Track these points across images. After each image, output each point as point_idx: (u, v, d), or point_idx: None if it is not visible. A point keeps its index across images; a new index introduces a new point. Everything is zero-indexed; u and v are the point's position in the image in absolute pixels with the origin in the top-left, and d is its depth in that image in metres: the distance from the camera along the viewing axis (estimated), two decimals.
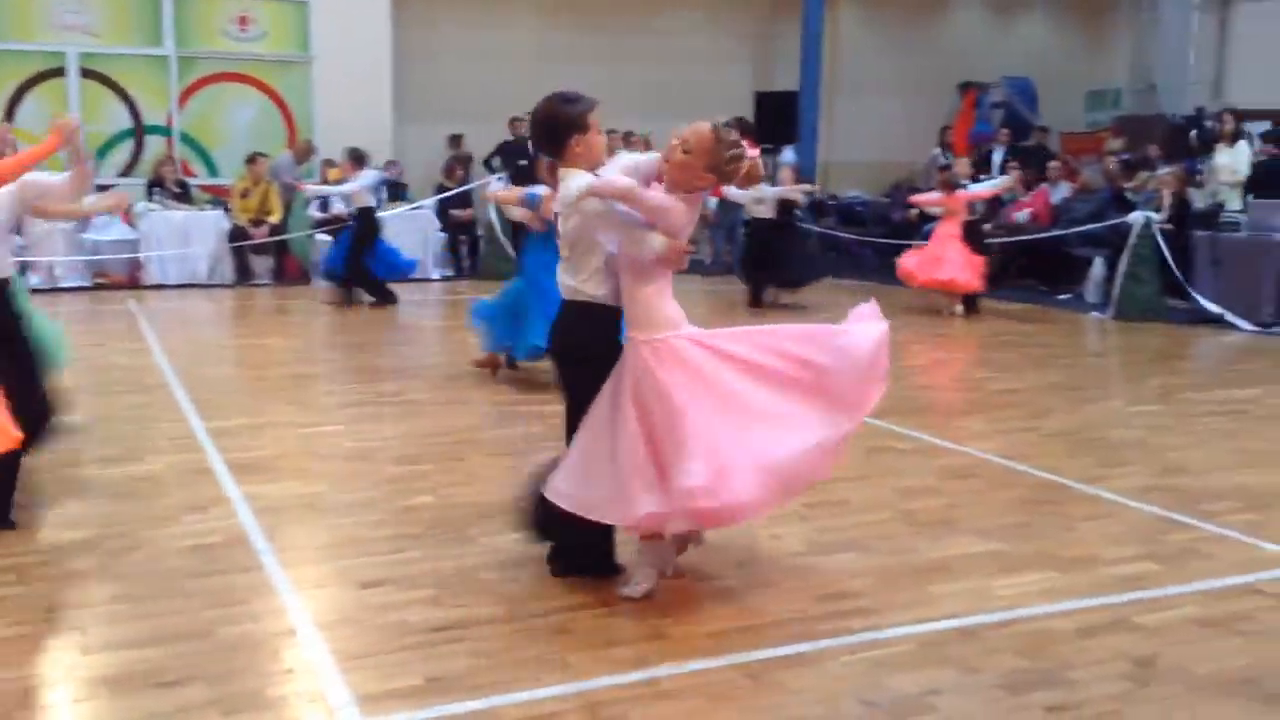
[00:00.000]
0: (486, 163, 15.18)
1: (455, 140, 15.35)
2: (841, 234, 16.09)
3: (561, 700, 3.22)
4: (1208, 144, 11.60)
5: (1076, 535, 4.72)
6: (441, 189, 14.77)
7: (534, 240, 7.43)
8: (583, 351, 3.99)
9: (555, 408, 7.01)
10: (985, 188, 12.10)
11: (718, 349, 3.90)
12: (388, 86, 15.00)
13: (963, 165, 12.36)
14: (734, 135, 3.88)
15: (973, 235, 11.34)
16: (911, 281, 11.30)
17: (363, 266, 11.61)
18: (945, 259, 11.10)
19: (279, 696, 3.25)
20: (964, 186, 11.60)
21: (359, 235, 11.53)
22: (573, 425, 4.00)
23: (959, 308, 11.28)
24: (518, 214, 7.47)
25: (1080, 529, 4.81)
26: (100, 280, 12.56)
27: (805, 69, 16.36)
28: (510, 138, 15.04)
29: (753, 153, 4.09)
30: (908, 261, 11.43)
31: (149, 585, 4.05)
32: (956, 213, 11.31)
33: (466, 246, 15.09)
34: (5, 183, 4.60)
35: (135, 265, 13.17)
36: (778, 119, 15.92)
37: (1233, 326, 10.57)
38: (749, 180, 4.11)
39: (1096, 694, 3.29)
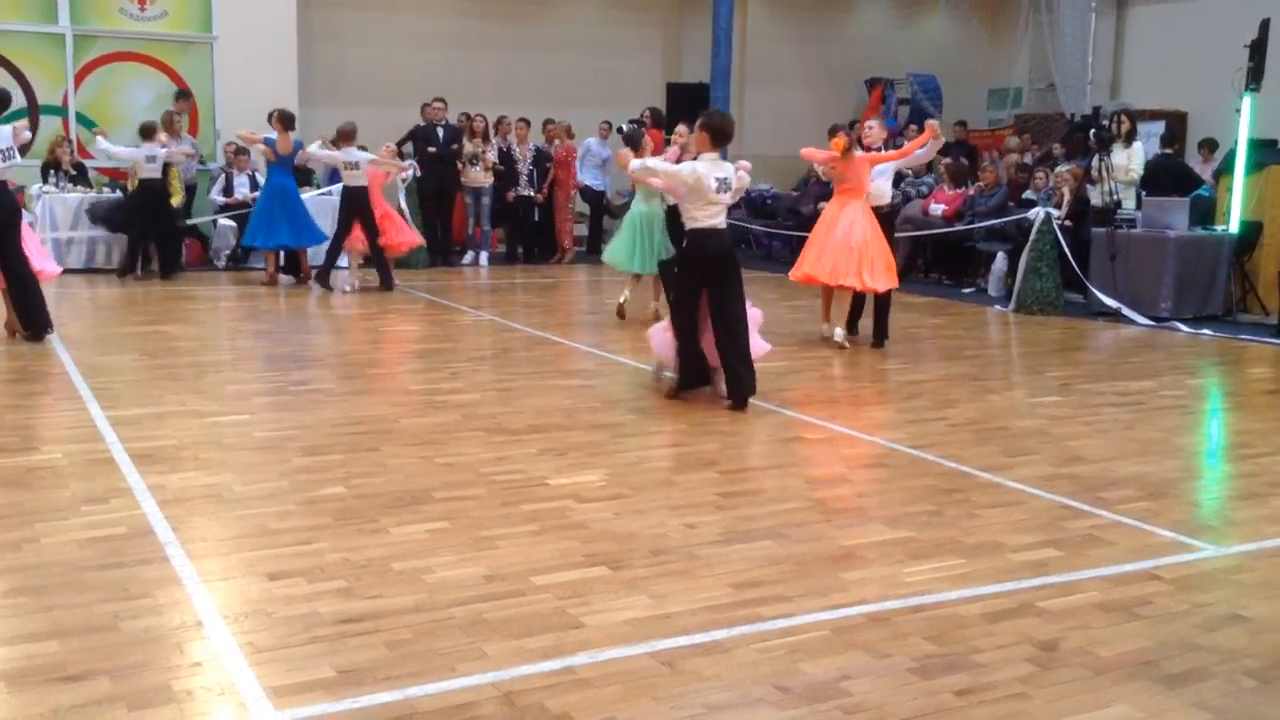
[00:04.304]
0: (398, 147, 14.95)
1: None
2: (753, 225, 16.24)
3: (477, 690, 3.20)
4: (1105, 143, 11.89)
5: (982, 522, 4.83)
6: None
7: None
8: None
9: (467, 396, 7.03)
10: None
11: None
12: (293, 68, 14.68)
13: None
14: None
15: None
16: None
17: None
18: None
19: (186, 690, 3.17)
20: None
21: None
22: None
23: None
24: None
25: (985, 516, 4.92)
26: None
27: (715, 60, 16.45)
28: (422, 123, 14.84)
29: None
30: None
31: (48, 578, 3.93)
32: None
33: None
34: None
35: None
36: (689, 110, 15.97)
37: (1128, 320, 10.89)
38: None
39: (1003, 677, 3.37)
